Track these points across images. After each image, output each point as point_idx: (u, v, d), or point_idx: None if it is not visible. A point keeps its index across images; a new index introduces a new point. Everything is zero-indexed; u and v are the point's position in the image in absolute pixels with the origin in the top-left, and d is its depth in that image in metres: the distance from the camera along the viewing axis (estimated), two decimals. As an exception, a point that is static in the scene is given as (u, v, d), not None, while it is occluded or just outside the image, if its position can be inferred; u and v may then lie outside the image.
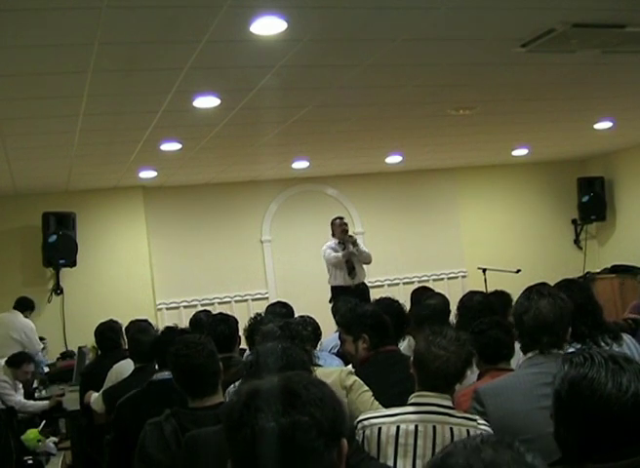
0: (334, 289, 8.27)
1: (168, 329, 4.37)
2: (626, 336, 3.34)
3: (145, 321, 5.37)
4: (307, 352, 2.89)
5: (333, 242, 8.39)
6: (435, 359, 2.50)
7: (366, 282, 8.42)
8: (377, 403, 3.03)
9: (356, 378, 3.13)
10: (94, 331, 5.41)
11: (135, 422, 3.04)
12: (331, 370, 3.15)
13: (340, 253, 8.16)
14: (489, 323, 3.27)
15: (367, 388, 3.11)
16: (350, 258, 8.20)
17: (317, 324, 4.24)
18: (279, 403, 1.24)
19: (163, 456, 2.73)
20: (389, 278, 9.89)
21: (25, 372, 6.21)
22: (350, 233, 8.51)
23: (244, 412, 1.25)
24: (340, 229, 8.29)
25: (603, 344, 3.19)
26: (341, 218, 8.39)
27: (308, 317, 4.31)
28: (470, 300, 4.14)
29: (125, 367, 4.60)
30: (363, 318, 3.65)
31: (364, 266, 8.33)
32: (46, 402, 6.05)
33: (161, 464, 2.73)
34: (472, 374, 3.40)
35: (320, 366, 3.31)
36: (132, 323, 5.26)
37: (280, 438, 1.21)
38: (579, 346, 3.13)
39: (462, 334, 2.63)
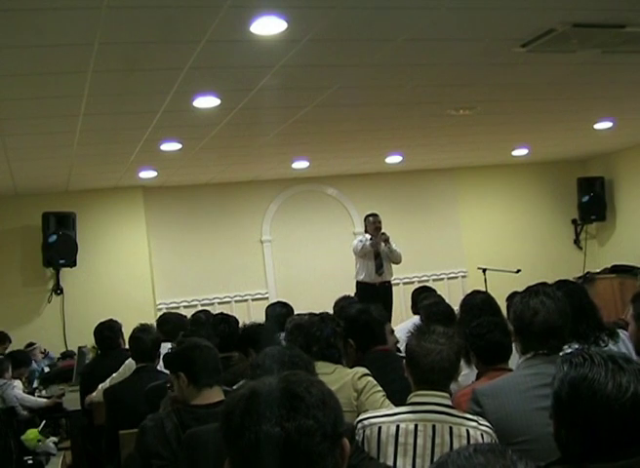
0: (359, 284, 8.29)
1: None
2: (623, 333, 3.34)
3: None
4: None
5: (363, 237, 8.40)
6: (428, 353, 2.50)
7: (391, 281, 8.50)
8: (387, 402, 3.01)
9: (369, 380, 3.11)
10: (93, 331, 5.40)
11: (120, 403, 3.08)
12: (346, 372, 3.14)
13: (368, 242, 8.18)
14: (487, 325, 3.25)
15: (379, 388, 3.09)
16: (380, 255, 8.24)
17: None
18: (282, 407, 1.21)
19: (164, 450, 2.74)
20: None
21: (21, 374, 6.21)
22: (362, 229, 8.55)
23: (245, 418, 1.21)
24: (373, 226, 8.26)
25: (601, 343, 3.19)
26: (376, 215, 8.33)
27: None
28: (474, 299, 4.16)
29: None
30: (347, 322, 3.64)
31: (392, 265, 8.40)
32: (45, 399, 6.04)
33: (162, 457, 2.73)
34: (472, 373, 3.40)
35: (341, 365, 3.30)
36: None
37: (286, 443, 1.18)
38: (576, 346, 3.13)
39: (450, 330, 2.63)
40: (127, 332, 4.75)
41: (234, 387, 3.19)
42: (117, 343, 5.34)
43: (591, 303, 3.40)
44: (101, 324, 5.42)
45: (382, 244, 8.22)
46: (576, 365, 1.68)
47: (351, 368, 3.42)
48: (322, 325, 3.28)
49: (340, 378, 3.04)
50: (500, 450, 1.09)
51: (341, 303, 5.79)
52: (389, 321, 4.39)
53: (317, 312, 3.87)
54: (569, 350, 3.07)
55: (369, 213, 8.47)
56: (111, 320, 5.47)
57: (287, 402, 1.22)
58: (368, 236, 8.34)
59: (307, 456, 1.20)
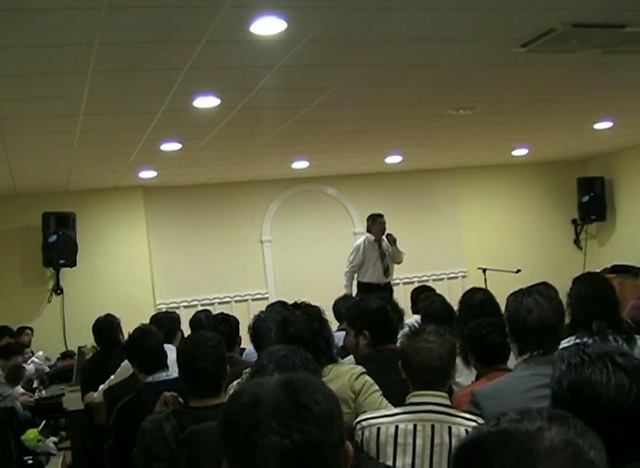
0: (363, 285, 8.18)
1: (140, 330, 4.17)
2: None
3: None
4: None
5: (365, 238, 8.35)
6: (419, 352, 2.51)
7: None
8: (385, 402, 2.99)
9: (366, 380, 3.09)
10: (92, 327, 5.39)
11: (132, 427, 3.02)
12: (342, 372, 3.12)
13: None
14: (486, 326, 3.22)
15: (377, 388, 3.07)
16: (386, 257, 8.23)
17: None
18: (290, 418, 1.18)
19: (163, 452, 2.73)
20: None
21: (12, 364, 6.17)
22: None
23: (251, 430, 1.18)
24: (380, 227, 8.23)
25: (614, 343, 3.13)
26: (382, 216, 8.31)
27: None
28: (472, 298, 4.12)
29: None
30: (366, 313, 3.63)
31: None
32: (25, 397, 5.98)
33: (161, 459, 2.73)
34: (472, 374, 3.40)
35: (336, 363, 3.28)
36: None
37: (295, 455, 1.17)
38: (585, 339, 3.07)
39: (441, 328, 2.63)
40: (127, 333, 4.75)
41: (231, 386, 3.17)
42: (116, 339, 5.33)
43: (608, 299, 3.28)
44: (100, 319, 5.41)
45: (385, 244, 8.23)
46: (574, 365, 1.66)
47: (361, 362, 3.42)
48: (324, 331, 3.24)
49: (336, 378, 3.02)
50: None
51: (341, 303, 5.79)
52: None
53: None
54: (577, 341, 3.03)
55: (374, 213, 8.42)
56: (108, 315, 5.45)
57: (294, 412, 1.19)
58: (371, 236, 8.29)
59: (317, 466, 1.19)
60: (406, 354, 2.56)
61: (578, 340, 3.08)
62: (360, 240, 8.48)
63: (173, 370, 3.65)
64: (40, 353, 7.68)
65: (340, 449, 1.24)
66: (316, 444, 1.18)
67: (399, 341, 3.00)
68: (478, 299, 4.06)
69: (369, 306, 3.71)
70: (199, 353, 2.91)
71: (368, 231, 8.38)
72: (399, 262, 8.39)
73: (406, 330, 2.79)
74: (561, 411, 1.07)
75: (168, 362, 3.79)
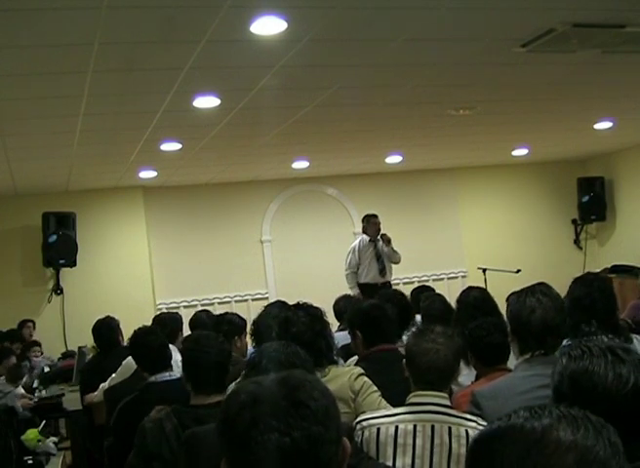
0: (361, 285, 8.27)
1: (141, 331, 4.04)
2: (636, 338, 3.29)
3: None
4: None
5: (361, 239, 8.41)
6: (425, 353, 2.50)
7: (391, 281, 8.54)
8: (384, 403, 2.99)
9: (365, 380, 3.09)
10: (91, 329, 5.40)
11: (134, 427, 3.02)
12: (341, 372, 3.12)
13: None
14: (487, 327, 3.22)
15: (375, 389, 3.08)
16: (382, 257, 8.25)
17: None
18: (289, 415, 1.18)
19: (165, 451, 2.73)
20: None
21: (5, 367, 6.19)
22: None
23: (251, 428, 1.18)
24: (375, 228, 8.28)
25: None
26: (376, 216, 8.36)
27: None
28: (467, 296, 4.12)
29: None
30: (357, 314, 3.64)
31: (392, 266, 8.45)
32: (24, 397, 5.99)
33: (161, 458, 2.72)
34: (471, 373, 3.39)
35: (336, 363, 3.28)
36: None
37: (295, 453, 1.16)
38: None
39: (449, 329, 2.63)
40: (126, 333, 4.74)
41: (230, 386, 3.17)
42: (115, 340, 5.33)
43: (599, 301, 3.25)
44: (99, 321, 5.42)
45: (380, 244, 8.24)
46: (575, 357, 1.66)
47: (359, 362, 3.41)
48: (325, 333, 3.23)
49: (336, 378, 3.02)
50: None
51: (341, 303, 5.79)
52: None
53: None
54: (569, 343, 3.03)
55: (368, 213, 8.47)
56: (108, 316, 5.46)
57: (293, 410, 1.19)
58: (366, 237, 8.34)
59: (316, 463, 1.19)
60: (412, 353, 2.55)
61: (570, 343, 3.08)
62: (355, 241, 8.57)
63: (176, 371, 3.66)
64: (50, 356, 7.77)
65: (338, 446, 1.24)
66: (315, 441, 1.18)
67: (405, 340, 2.98)
68: (473, 297, 4.06)
69: (360, 307, 3.72)
70: (209, 347, 2.97)
71: (363, 232, 8.45)
72: (396, 262, 8.41)
73: (413, 329, 2.78)
74: (576, 410, 1.05)
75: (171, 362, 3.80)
